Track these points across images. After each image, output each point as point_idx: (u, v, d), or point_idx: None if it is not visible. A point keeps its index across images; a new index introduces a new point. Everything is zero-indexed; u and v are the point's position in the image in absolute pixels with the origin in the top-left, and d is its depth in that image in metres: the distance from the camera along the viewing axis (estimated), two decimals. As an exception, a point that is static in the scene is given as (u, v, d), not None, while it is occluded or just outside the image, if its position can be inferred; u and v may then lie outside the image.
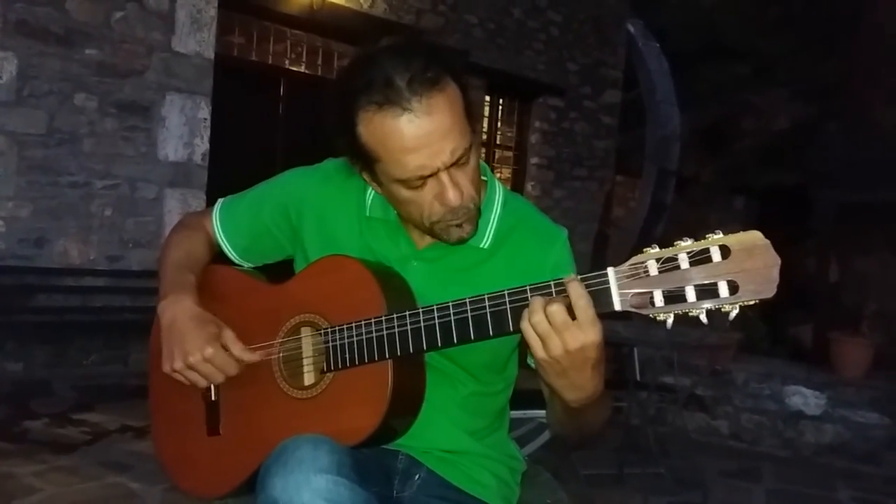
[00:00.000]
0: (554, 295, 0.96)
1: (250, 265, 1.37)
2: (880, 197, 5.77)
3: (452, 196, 1.07)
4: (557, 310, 0.93)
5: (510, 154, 7.70)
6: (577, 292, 0.94)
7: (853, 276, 6.61)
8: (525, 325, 0.96)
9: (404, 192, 1.10)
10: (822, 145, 6.96)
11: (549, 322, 0.94)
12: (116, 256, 4.55)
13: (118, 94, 4.48)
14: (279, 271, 1.31)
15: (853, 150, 6.20)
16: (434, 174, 1.06)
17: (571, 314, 0.94)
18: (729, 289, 0.87)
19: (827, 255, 6.01)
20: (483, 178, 1.24)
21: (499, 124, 7.60)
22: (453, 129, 1.05)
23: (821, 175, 6.02)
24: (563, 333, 0.94)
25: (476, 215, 1.14)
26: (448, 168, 1.06)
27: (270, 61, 5.60)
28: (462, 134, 1.07)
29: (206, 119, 4.86)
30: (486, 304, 1.00)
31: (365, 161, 1.11)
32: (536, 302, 0.95)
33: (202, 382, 1.19)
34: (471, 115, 1.10)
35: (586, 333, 0.94)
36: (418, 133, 1.03)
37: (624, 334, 3.36)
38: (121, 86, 4.48)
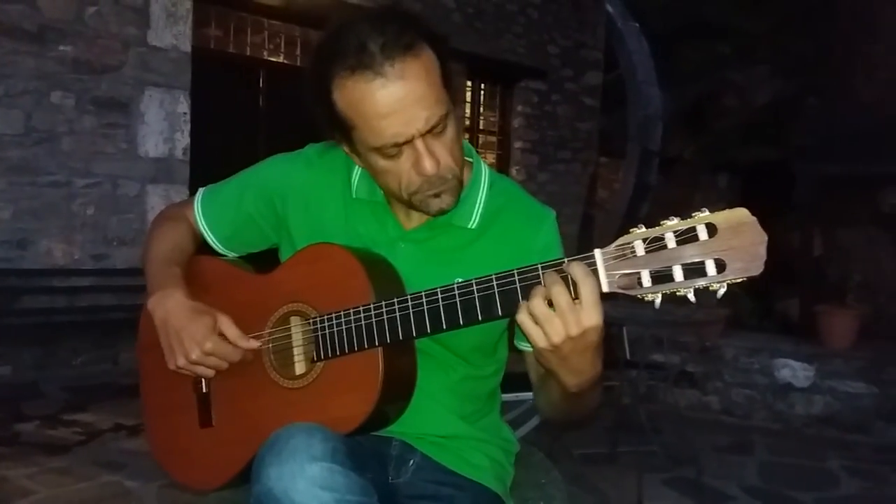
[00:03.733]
0: (541, 276, 0.96)
1: (234, 255, 1.36)
2: (861, 169, 5.82)
3: (428, 164, 1.06)
4: (561, 292, 0.92)
5: (494, 139, 7.69)
6: (582, 272, 0.92)
7: (837, 249, 6.67)
8: (523, 315, 0.94)
9: (381, 162, 1.09)
10: (803, 120, 7.00)
11: (554, 307, 0.92)
12: (101, 255, 4.51)
13: (95, 91, 4.42)
14: (265, 261, 1.30)
15: (834, 124, 6.24)
16: (409, 142, 1.05)
17: (571, 297, 0.92)
18: (716, 267, 0.87)
19: (811, 229, 6.06)
20: (469, 159, 1.23)
21: (481, 109, 7.58)
22: (427, 96, 1.04)
23: (802, 150, 6.06)
24: (566, 318, 0.92)
25: (457, 186, 1.13)
26: (423, 136, 1.05)
27: (249, 53, 5.55)
28: (437, 101, 1.05)
29: (185, 113, 4.82)
30: (475, 288, 1.00)
31: (342, 130, 1.10)
32: (537, 290, 0.93)
33: (209, 374, 1.19)
34: (449, 84, 1.09)
35: (590, 316, 0.92)
36: (391, 98, 1.02)
37: (612, 314, 3.38)
38: (98, 82, 4.43)
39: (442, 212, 1.13)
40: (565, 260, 0.95)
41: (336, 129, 1.11)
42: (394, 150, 1.06)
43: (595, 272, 0.92)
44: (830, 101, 6.76)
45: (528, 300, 0.94)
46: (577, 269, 0.92)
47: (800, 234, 6.14)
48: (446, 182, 1.10)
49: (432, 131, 1.06)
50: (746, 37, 7.90)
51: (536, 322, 0.94)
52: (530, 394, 1.23)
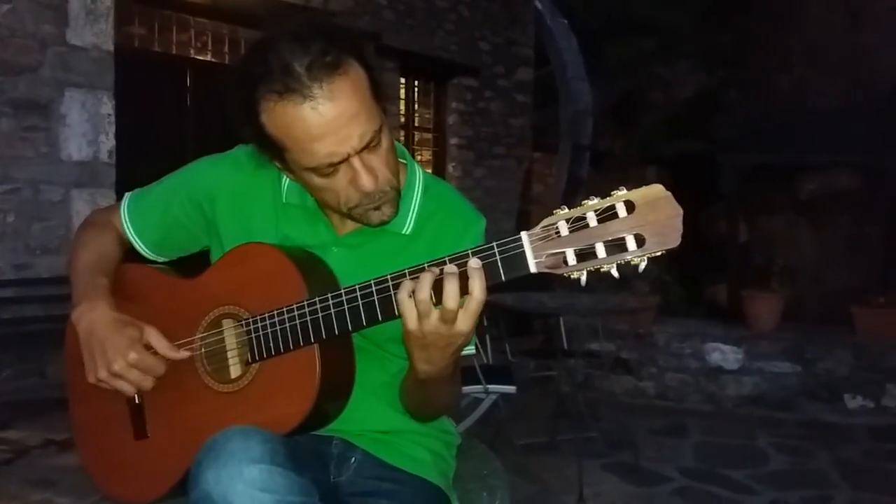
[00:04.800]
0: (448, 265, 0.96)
1: (164, 259, 1.33)
2: (781, 159, 6.07)
3: (366, 181, 1.06)
4: (452, 285, 0.94)
5: (429, 136, 7.71)
6: (479, 287, 0.94)
7: (761, 236, 6.95)
8: (404, 297, 0.96)
9: (317, 180, 1.08)
10: (725, 113, 7.26)
11: (442, 297, 0.94)
12: (24, 264, 4.32)
13: (12, 93, 4.23)
14: (197, 265, 1.27)
15: (754, 116, 6.50)
16: (345, 160, 1.05)
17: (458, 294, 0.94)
18: (636, 242, 0.89)
19: (736, 217, 6.29)
20: (402, 161, 1.23)
21: (416, 106, 7.59)
22: (360, 113, 1.03)
23: (725, 141, 6.28)
24: (444, 312, 0.95)
25: (395, 197, 1.13)
26: (359, 153, 1.05)
27: (175, 51, 5.40)
28: (370, 117, 1.05)
29: (110, 114, 4.66)
30: (408, 278, 1.00)
31: (273, 151, 1.09)
32: (425, 279, 0.95)
33: (130, 390, 1.15)
34: (379, 95, 1.08)
35: (465, 323, 0.96)
36: (323, 120, 1.01)
37: (549, 304, 3.45)
38: (14, 83, 4.23)
39: (383, 223, 1.13)
40: (494, 245, 0.95)
41: (267, 149, 1.09)
42: (329, 169, 1.05)
43: (522, 254, 0.94)
44: (750, 94, 7.03)
45: (418, 286, 0.95)
46: (475, 282, 0.94)
47: (726, 222, 6.36)
48: (386, 194, 1.10)
49: (367, 147, 1.05)
50: (670, 32, 8.14)
51: (416, 305, 0.96)
52: (472, 387, 1.24)
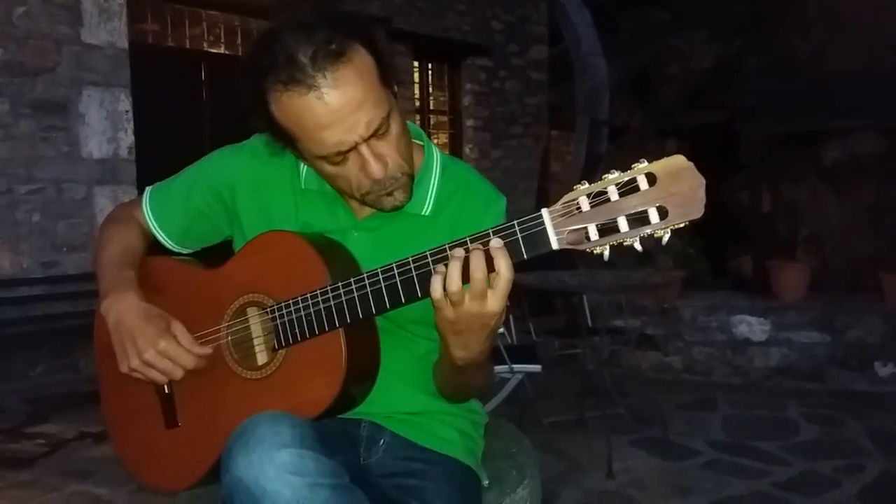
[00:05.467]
0: (470, 248, 0.96)
1: (187, 251, 1.35)
2: (802, 127, 5.97)
3: (375, 169, 1.06)
4: (480, 279, 0.94)
5: (445, 119, 7.68)
6: (504, 265, 0.94)
7: (784, 205, 6.85)
8: (438, 291, 0.96)
9: (328, 168, 1.09)
10: (744, 82, 7.14)
11: (470, 280, 0.94)
12: (51, 262, 4.40)
13: (31, 94, 4.29)
14: (219, 255, 1.29)
15: (772, 84, 6.38)
16: (353, 148, 1.05)
17: (486, 273, 0.94)
18: (659, 214, 0.88)
19: (758, 187, 6.20)
20: (419, 142, 1.23)
21: (430, 89, 7.56)
22: (366, 101, 1.03)
23: (744, 110, 6.17)
24: (478, 301, 0.95)
25: (408, 182, 1.12)
26: (367, 140, 1.05)
27: (188, 45, 5.43)
28: (377, 103, 1.04)
29: (127, 111, 4.70)
30: (429, 259, 1.00)
31: (285, 140, 1.10)
32: (454, 269, 0.95)
33: (161, 379, 1.17)
34: (388, 80, 1.08)
35: (495, 303, 0.96)
36: (329, 109, 1.01)
37: (572, 282, 3.43)
38: (32, 84, 4.29)
39: (396, 208, 1.13)
40: (515, 224, 0.95)
41: (279, 138, 1.10)
42: (338, 157, 1.06)
43: (544, 231, 0.93)
44: (768, 62, 6.91)
45: (448, 278, 0.95)
46: (500, 260, 0.94)
47: (748, 192, 6.27)
48: (397, 180, 1.10)
49: (375, 134, 1.05)
50: (684, 2, 8.01)
51: (448, 298, 0.96)
52: (498, 367, 1.25)
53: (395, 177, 1.09)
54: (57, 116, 4.40)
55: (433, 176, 1.21)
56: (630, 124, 8.87)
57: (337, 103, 1.01)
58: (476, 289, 0.95)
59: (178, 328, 1.16)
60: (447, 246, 0.98)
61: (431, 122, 7.53)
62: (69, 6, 4.43)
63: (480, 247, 0.95)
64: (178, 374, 1.16)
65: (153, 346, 1.13)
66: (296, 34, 1.01)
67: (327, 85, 1.00)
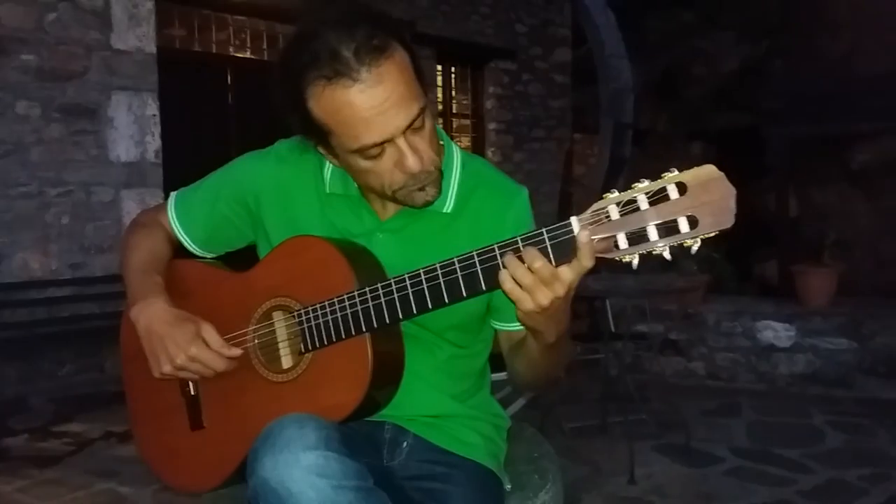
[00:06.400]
0: (521, 248, 0.97)
1: (212, 255, 1.36)
2: (830, 129, 5.89)
3: (412, 162, 1.07)
4: (543, 266, 0.95)
5: (467, 122, 7.68)
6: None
7: (812, 209, 6.76)
8: (509, 284, 0.97)
9: (363, 163, 1.10)
10: (771, 84, 7.06)
11: (537, 276, 0.95)
12: (79, 264, 4.47)
13: (61, 99, 4.36)
14: (244, 259, 1.30)
15: (800, 86, 6.30)
16: (391, 141, 1.06)
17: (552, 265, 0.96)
18: (689, 223, 0.88)
19: (785, 190, 6.14)
20: (440, 141, 1.25)
21: (453, 93, 7.56)
22: (406, 95, 1.05)
23: (772, 113, 6.11)
24: (552, 283, 0.96)
25: (439, 177, 1.14)
26: (404, 133, 1.06)
27: (215, 50, 5.49)
28: (414, 98, 1.06)
29: (155, 115, 4.77)
30: (457, 266, 1.01)
31: (319, 136, 1.11)
32: (515, 261, 0.96)
33: (195, 377, 1.19)
34: (421, 77, 1.10)
35: (569, 276, 0.96)
36: (371, 103, 1.03)
37: (595, 287, 3.41)
38: (63, 89, 4.36)
39: (427, 204, 1.14)
40: (544, 231, 0.96)
41: (312, 134, 1.12)
42: (375, 150, 1.07)
43: (573, 239, 0.94)
44: (796, 63, 6.82)
45: (510, 270, 0.97)
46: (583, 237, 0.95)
47: (775, 196, 6.21)
48: (430, 175, 1.11)
49: (412, 127, 1.07)
50: (710, 3, 7.94)
51: (524, 289, 0.97)
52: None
53: (429, 171, 1.11)
54: (86, 121, 4.48)
55: (454, 173, 1.22)
56: (655, 127, 8.80)
57: (380, 97, 1.03)
58: (543, 275, 0.95)
59: (207, 330, 1.17)
60: (474, 253, 1.00)
61: (454, 126, 7.53)
62: (99, 12, 4.51)
63: (535, 249, 0.96)
64: (209, 375, 1.18)
65: (184, 352, 1.15)
66: (337, 30, 1.03)
67: (371, 79, 1.02)
